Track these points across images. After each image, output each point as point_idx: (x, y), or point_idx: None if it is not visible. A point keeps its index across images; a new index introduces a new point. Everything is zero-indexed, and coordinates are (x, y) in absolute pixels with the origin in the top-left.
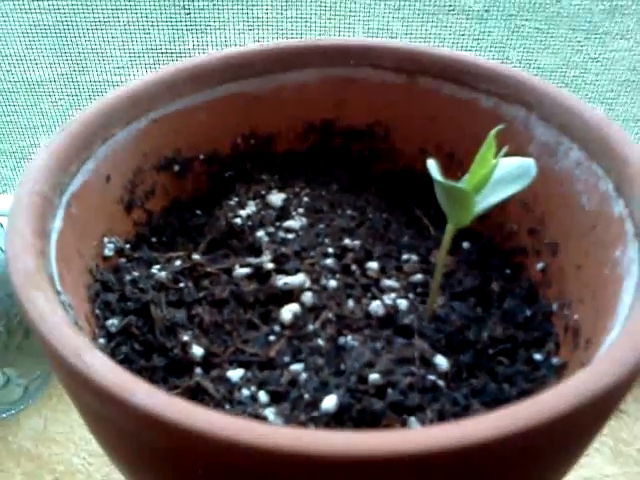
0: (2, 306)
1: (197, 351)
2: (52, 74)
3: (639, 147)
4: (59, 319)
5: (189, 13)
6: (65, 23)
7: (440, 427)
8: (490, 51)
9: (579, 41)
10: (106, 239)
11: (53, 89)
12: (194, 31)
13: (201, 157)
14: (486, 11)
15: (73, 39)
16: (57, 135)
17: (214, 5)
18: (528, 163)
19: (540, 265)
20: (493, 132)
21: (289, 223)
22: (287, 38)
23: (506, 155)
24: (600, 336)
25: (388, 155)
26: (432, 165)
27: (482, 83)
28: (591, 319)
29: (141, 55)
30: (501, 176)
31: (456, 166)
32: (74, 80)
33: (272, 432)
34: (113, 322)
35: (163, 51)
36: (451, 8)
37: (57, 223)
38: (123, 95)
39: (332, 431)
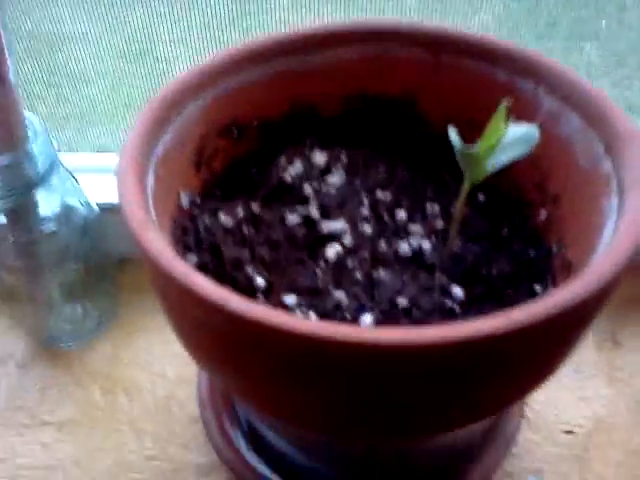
0: (83, 250)
1: (259, 281)
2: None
3: (626, 116)
4: (170, 252)
5: None
6: None
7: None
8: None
9: None
10: (182, 193)
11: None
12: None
13: (255, 123)
14: None
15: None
16: (145, 109)
17: None
18: (532, 130)
19: (544, 214)
20: (503, 104)
21: (331, 179)
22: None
23: (516, 121)
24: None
25: (416, 121)
26: (452, 132)
27: (498, 59)
28: (580, 257)
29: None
30: (510, 140)
31: (475, 131)
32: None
33: (353, 330)
34: (192, 258)
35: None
36: None
37: (150, 182)
38: (193, 73)
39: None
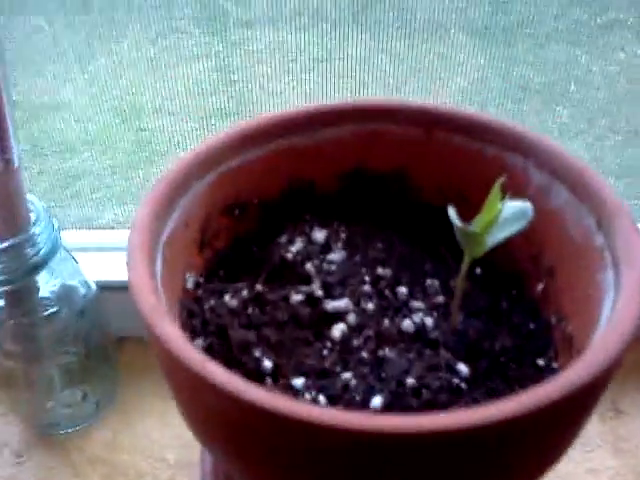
0: (82, 333)
1: (267, 364)
2: None
3: (612, 189)
4: (183, 340)
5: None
6: None
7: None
8: (490, 68)
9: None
10: (187, 274)
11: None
12: None
13: (255, 201)
14: (485, 28)
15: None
16: (151, 193)
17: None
18: (526, 207)
19: (540, 286)
20: (497, 183)
21: (331, 256)
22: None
23: (509, 197)
24: (587, 345)
25: (410, 195)
26: (452, 212)
27: (487, 135)
28: (581, 331)
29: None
30: (506, 217)
31: (466, 203)
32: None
33: (366, 418)
34: (199, 342)
35: None
36: (449, 27)
37: (158, 265)
38: (197, 154)
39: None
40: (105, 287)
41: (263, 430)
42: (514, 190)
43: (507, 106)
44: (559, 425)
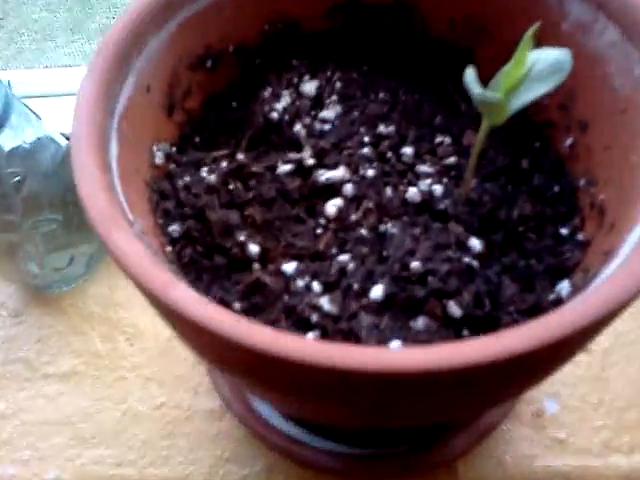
0: (58, 196)
1: (253, 248)
2: None
3: None
4: (142, 257)
5: None
6: None
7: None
8: None
9: None
10: (155, 147)
11: None
12: None
13: (231, 49)
14: None
15: None
16: (95, 59)
17: None
18: (564, 56)
19: (569, 141)
20: (530, 32)
21: (324, 113)
22: None
23: (539, 38)
24: (626, 224)
25: (417, 29)
26: (469, 75)
27: None
28: (616, 202)
29: None
30: (537, 72)
31: (487, 38)
32: None
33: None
34: (174, 228)
35: None
36: None
37: (113, 147)
38: (148, 2)
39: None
40: None
41: (247, 364)
42: (544, 25)
43: None
44: (569, 351)
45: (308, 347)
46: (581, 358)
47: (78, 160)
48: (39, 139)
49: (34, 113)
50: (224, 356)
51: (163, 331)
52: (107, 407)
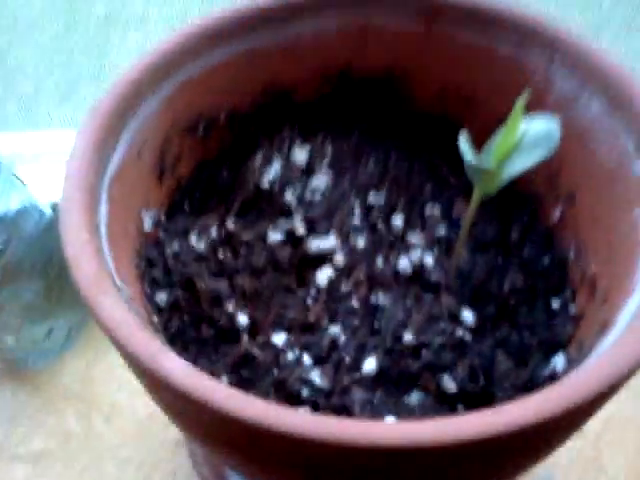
0: (40, 264)
1: (242, 319)
2: None
3: None
4: (130, 323)
5: None
6: None
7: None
8: None
9: None
10: (144, 213)
11: None
12: None
13: (223, 115)
14: None
15: None
16: (90, 118)
17: None
18: (553, 127)
19: (557, 212)
20: (521, 102)
21: (315, 182)
22: None
23: (526, 111)
24: (620, 297)
25: (407, 101)
26: (463, 141)
27: (500, 28)
28: (607, 274)
29: None
30: (527, 142)
31: (475, 111)
32: None
33: (342, 424)
34: (162, 297)
35: None
36: None
37: (103, 211)
38: (145, 64)
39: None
40: None
41: (237, 438)
42: (531, 98)
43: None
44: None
45: (300, 419)
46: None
47: (66, 220)
48: (24, 206)
49: (19, 179)
50: (213, 429)
51: (142, 409)
52: None
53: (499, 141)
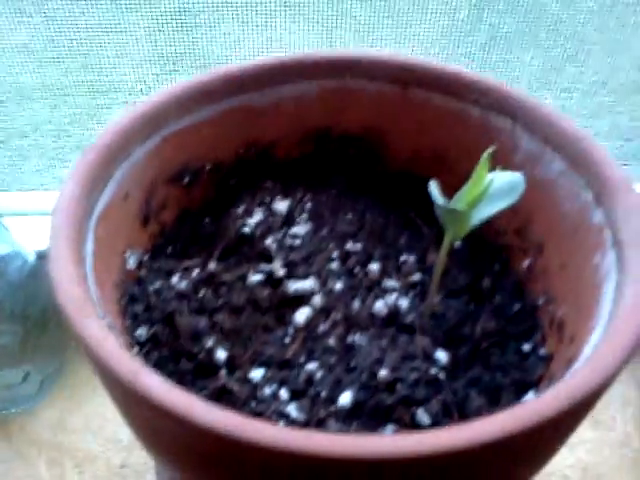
0: (20, 308)
1: (220, 355)
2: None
3: (616, 164)
4: (113, 344)
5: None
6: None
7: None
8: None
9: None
10: (128, 253)
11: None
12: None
13: (207, 167)
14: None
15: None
16: (79, 163)
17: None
18: (517, 178)
19: (526, 262)
20: (486, 154)
21: (295, 230)
22: (283, 51)
23: (495, 166)
24: (584, 335)
25: (383, 159)
26: (434, 188)
27: (469, 94)
28: (574, 317)
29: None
30: (493, 191)
31: (446, 169)
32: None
33: (325, 439)
34: (141, 332)
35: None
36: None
37: (89, 246)
38: (136, 115)
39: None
40: (45, 256)
41: (214, 454)
42: (499, 157)
43: (475, 54)
44: (552, 437)
45: (281, 432)
46: None
47: (54, 250)
48: (7, 252)
49: (4, 226)
50: (190, 447)
51: (115, 457)
52: None
53: (468, 187)
